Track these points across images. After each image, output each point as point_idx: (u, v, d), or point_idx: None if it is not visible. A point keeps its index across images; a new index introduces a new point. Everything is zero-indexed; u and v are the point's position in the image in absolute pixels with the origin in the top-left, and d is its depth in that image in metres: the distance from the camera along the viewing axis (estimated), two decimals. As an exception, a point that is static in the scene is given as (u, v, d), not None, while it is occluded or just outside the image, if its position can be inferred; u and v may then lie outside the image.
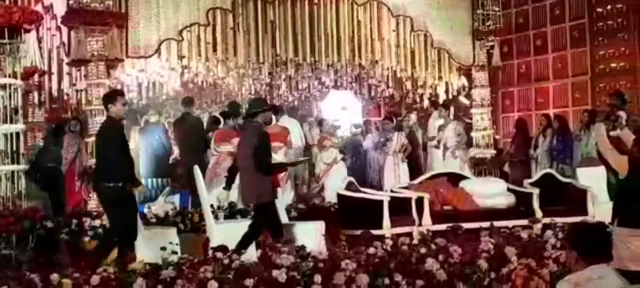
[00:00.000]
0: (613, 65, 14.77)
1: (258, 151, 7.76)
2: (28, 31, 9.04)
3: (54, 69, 11.04)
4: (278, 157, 10.87)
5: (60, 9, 10.28)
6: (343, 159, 11.89)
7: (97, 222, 8.86)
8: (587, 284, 4.19)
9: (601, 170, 10.68)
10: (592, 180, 10.37)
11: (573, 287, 4.26)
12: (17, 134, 8.35)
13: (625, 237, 6.65)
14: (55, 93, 11.27)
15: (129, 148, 7.95)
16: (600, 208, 9.71)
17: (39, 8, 10.95)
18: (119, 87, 10.87)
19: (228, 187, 8.37)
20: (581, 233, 4.65)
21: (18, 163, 8.31)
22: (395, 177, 11.67)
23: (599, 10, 14.93)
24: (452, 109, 12.51)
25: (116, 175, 7.26)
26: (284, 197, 10.65)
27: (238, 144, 8.60)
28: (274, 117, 11.23)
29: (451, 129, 12.38)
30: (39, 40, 11.11)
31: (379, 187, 11.39)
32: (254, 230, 7.83)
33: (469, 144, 12.63)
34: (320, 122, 13.28)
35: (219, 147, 10.83)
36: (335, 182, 10.87)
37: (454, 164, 11.99)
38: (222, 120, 11.26)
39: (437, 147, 12.57)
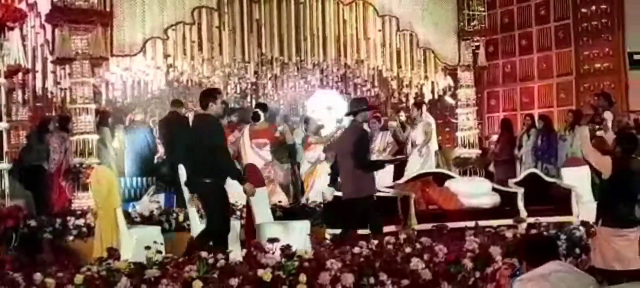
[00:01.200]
0: (597, 65, 14.87)
1: (358, 148, 8.15)
2: (12, 29, 8.96)
3: (38, 67, 10.95)
4: (264, 154, 10.88)
5: (44, 7, 10.21)
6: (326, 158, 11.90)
7: (81, 221, 8.81)
8: (539, 279, 4.25)
9: (585, 170, 10.72)
10: (577, 179, 10.41)
11: (526, 283, 4.32)
12: (0, 132, 8.28)
13: (610, 236, 6.69)
14: (39, 91, 11.17)
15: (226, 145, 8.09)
16: (585, 208, 9.75)
17: (23, 6, 10.88)
18: (103, 85, 10.85)
19: (333, 183, 8.65)
20: (526, 245, 4.80)
21: (1, 161, 8.24)
22: (379, 177, 11.66)
23: (584, 10, 15.02)
24: (424, 107, 12.51)
25: (215, 172, 7.40)
26: (273, 197, 10.68)
27: (339, 141, 8.95)
28: (262, 114, 11.24)
29: (419, 127, 12.40)
30: (23, 38, 11.00)
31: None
32: (352, 223, 8.15)
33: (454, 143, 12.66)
34: (306, 121, 13.26)
35: None
36: (322, 182, 10.94)
37: (419, 162, 11.96)
38: None
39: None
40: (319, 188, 11.17)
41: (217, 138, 7.54)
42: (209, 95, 7.76)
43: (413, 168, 11.46)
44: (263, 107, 11.85)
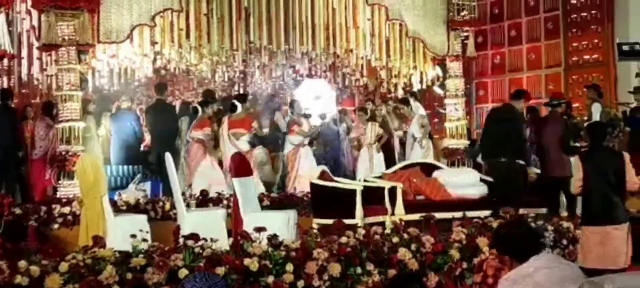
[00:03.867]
0: (586, 57, 14.88)
1: (564, 135, 9.90)
2: (-3, 14, 8.87)
3: (24, 53, 10.84)
4: (241, 144, 10.84)
5: (30, -8, 10.11)
6: (310, 143, 11.92)
7: (66, 209, 8.75)
8: (526, 280, 4.10)
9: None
10: (565, 171, 10.41)
11: (511, 284, 4.15)
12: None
13: (590, 235, 6.64)
14: (24, 78, 11.07)
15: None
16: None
17: (9, -9, 10.79)
18: (90, 72, 10.75)
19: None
20: (505, 237, 4.49)
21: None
22: (370, 168, 11.67)
23: (573, 2, 15.04)
24: (412, 101, 12.53)
25: (507, 151, 9.23)
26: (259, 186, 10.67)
27: (545, 127, 10.36)
28: (239, 105, 11.20)
29: (414, 121, 12.41)
30: (9, 24, 10.89)
31: (353, 177, 11.38)
32: (555, 201, 9.60)
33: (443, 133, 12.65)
34: (291, 104, 13.22)
35: (191, 133, 10.82)
36: (303, 165, 10.94)
37: (420, 154, 12.02)
38: (200, 109, 11.20)
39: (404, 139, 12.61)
40: (302, 171, 11.17)
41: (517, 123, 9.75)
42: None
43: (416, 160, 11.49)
44: (242, 97, 11.82)
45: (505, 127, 9.45)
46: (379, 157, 11.96)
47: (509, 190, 9.19)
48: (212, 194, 10.05)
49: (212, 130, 11.06)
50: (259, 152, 11.78)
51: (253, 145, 11.66)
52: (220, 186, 10.38)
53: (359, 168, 11.84)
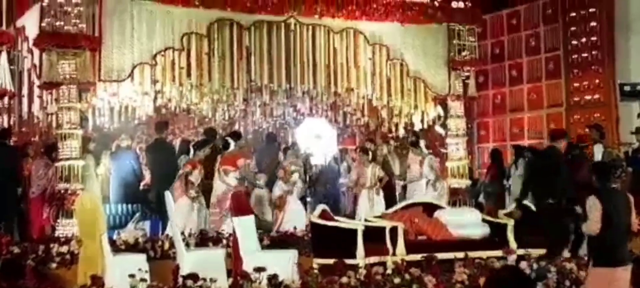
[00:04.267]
0: (587, 97, 14.88)
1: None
2: (-1, 52, 8.89)
3: (25, 91, 10.85)
4: (228, 179, 10.78)
5: (32, 31, 10.15)
6: (311, 184, 11.88)
7: (64, 248, 8.67)
8: None
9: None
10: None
11: None
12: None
13: (606, 277, 6.51)
14: (25, 116, 11.06)
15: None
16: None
17: (10, 30, 10.82)
18: (90, 110, 10.75)
19: None
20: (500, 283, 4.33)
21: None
22: (370, 209, 11.59)
23: (574, 42, 15.07)
24: (422, 144, 12.50)
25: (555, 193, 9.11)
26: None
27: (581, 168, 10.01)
28: (232, 142, 11.17)
29: (426, 163, 12.37)
30: (10, 62, 10.92)
31: (353, 217, 11.30)
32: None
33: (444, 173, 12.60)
34: (292, 146, 13.21)
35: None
36: (292, 208, 10.93)
37: (434, 196, 11.95)
38: (191, 151, 11.15)
39: (417, 179, 12.48)
40: (289, 219, 11.11)
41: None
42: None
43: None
44: (235, 135, 11.79)
45: (551, 169, 9.40)
46: (380, 199, 11.88)
47: (559, 232, 9.13)
48: (211, 234, 9.97)
49: (199, 172, 10.92)
50: (260, 191, 11.74)
51: (253, 185, 11.62)
52: (194, 227, 10.28)
53: (360, 209, 11.75)
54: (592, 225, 6.51)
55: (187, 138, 13.30)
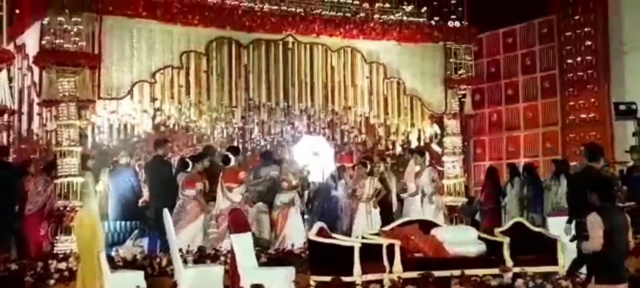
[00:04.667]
0: (583, 116, 14.97)
1: None
2: (-1, 70, 8.96)
3: (24, 109, 10.91)
4: (232, 196, 10.82)
5: (32, 49, 10.22)
6: (309, 203, 11.90)
7: (63, 265, 8.70)
8: None
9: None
10: (562, 229, 10.38)
11: None
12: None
13: None
14: (24, 133, 11.11)
15: None
16: (571, 258, 9.72)
17: (10, 47, 10.89)
18: (89, 128, 10.80)
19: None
20: None
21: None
22: (367, 224, 11.62)
23: (569, 61, 15.19)
24: (427, 154, 12.52)
25: None
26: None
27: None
28: (232, 158, 11.21)
29: (426, 175, 12.38)
30: (10, 80, 10.99)
31: (350, 233, 11.33)
32: None
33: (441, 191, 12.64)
34: (279, 162, 13.25)
35: (185, 191, 10.80)
36: (292, 223, 10.95)
37: (430, 210, 11.96)
38: (190, 164, 11.18)
39: (414, 194, 12.49)
40: (290, 232, 11.14)
41: None
42: None
43: (426, 217, 11.44)
44: (234, 150, 11.82)
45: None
46: (376, 213, 11.90)
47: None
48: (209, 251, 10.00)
49: (203, 185, 10.99)
50: (258, 205, 11.77)
51: (253, 202, 11.66)
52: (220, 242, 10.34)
53: (357, 222, 11.76)
54: (595, 242, 6.51)
55: (185, 156, 13.33)
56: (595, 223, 6.56)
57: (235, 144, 14.69)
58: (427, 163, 12.51)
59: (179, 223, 10.57)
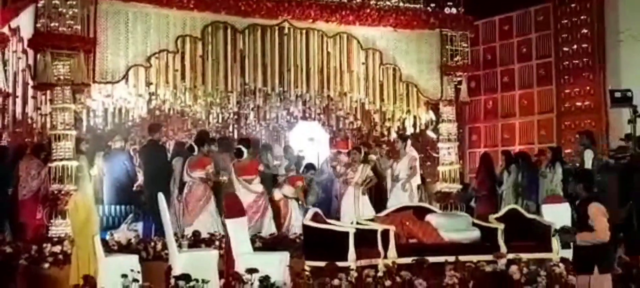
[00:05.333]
0: (578, 103, 15.00)
1: None
2: (-7, 53, 8.92)
3: (19, 92, 10.87)
4: (253, 187, 10.86)
5: (27, 32, 10.17)
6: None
7: (57, 248, 8.69)
8: None
9: (565, 206, 10.75)
10: (557, 216, 10.39)
11: None
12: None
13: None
14: (19, 116, 11.08)
15: None
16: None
17: (5, 30, 10.85)
18: (84, 111, 10.77)
19: None
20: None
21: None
22: (355, 209, 11.61)
23: (565, 49, 15.20)
24: (408, 141, 12.52)
25: None
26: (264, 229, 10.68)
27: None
28: (245, 150, 11.19)
29: (405, 161, 12.37)
30: (5, 63, 10.95)
31: (338, 217, 11.33)
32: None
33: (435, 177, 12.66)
34: (285, 149, 13.26)
35: (193, 173, 10.79)
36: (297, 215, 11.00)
37: (404, 196, 11.94)
38: (196, 148, 11.18)
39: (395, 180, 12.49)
40: (295, 221, 11.17)
41: None
42: None
43: (396, 202, 11.44)
44: (245, 142, 11.81)
45: None
46: (365, 199, 11.87)
47: None
48: (204, 235, 10.01)
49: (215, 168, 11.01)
50: None
51: None
52: (214, 227, 10.35)
53: (343, 206, 11.73)
54: (603, 232, 6.50)
55: (180, 140, 13.32)
56: (599, 212, 6.53)
57: (230, 129, 14.73)
58: (406, 150, 12.45)
59: (189, 206, 10.60)
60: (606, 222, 6.47)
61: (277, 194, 11.58)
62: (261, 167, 11.30)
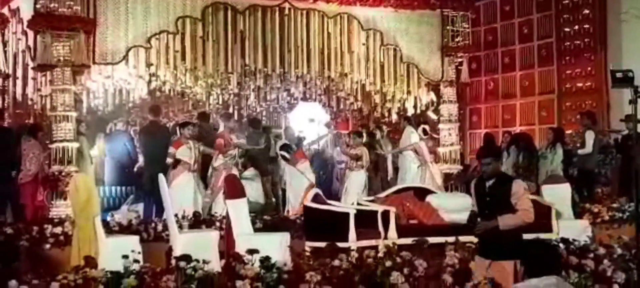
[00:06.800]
0: (579, 84, 14.98)
1: None
2: (-7, 34, 8.89)
3: (19, 73, 10.86)
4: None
5: (27, 13, 10.14)
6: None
7: (58, 229, 8.71)
8: None
9: (565, 187, 10.77)
10: (557, 197, 10.43)
11: None
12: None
13: None
14: (19, 98, 11.07)
15: None
16: (565, 225, 9.78)
17: (5, 11, 10.83)
18: (84, 93, 10.76)
19: None
20: (527, 252, 4.51)
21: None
22: (354, 189, 11.66)
23: (567, 29, 15.15)
24: (412, 123, 12.57)
25: None
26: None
27: None
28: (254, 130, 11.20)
29: (404, 141, 12.43)
30: (4, 44, 10.93)
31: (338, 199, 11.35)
32: None
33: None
34: (285, 130, 13.26)
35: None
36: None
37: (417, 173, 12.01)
38: (178, 131, 11.17)
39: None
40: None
41: None
42: None
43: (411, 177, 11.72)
44: (256, 123, 11.79)
45: None
46: (361, 178, 11.91)
47: None
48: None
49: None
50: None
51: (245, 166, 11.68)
52: (216, 207, 10.36)
53: (348, 187, 11.82)
54: (527, 213, 6.21)
55: (180, 122, 13.31)
56: (523, 191, 6.17)
57: (230, 110, 14.71)
58: (410, 136, 12.47)
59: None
60: (530, 202, 6.15)
61: (298, 177, 11.58)
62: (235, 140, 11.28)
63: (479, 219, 6.50)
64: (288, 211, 11.02)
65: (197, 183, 10.72)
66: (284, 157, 11.68)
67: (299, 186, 11.12)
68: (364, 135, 12.62)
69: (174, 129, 11.77)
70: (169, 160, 10.55)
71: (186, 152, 10.63)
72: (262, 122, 14.33)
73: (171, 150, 10.60)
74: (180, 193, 10.22)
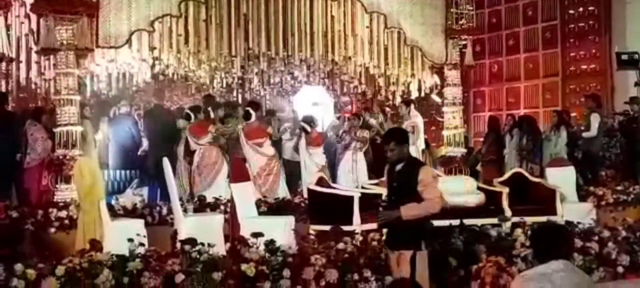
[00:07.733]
0: (583, 67, 14.94)
1: None
2: (-4, 18, 8.87)
3: (23, 57, 10.84)
4: (265, 150, 10.85)
5: (29, -4, 10.11)
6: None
7: (63, 213, 8.73)
8: (540, 278, 4.15)
9: (570, 170, 10.77)
10: (561, 180, 10.44)
11: (527, 282, 4.20)
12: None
13: None
14: (23, 82, 11.06)
15: None
16: (569, 208, 9.78)
17: (8, -6, 10.80)
18: (88, 76, 10.74)
19: None
20: (537, 234, 4.48)
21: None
22: (352, 172, 11.67)
23: (571, 12, 15.10)
24: (412, 106, 12.55)
25: None
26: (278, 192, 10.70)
27: None
28: (253, 113, 11.15)
29: (406, 125, 12.40)
30: (7, 28, 10.90)
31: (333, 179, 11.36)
32: None
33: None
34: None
35: (199, 140, 10.79)
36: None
37: None
38: (192, 115, 11.18)
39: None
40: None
41: None
42: None
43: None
44: (254, 105, 11.75)
45: None
46: (361, 159, 11.91)
47: None
48: (210, 200, 10.04)
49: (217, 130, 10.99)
50: None
51: None
52: (220, 191, 10.36)
53: (341, 168, 11.84)
54: (434, 202, 5.74)
55: (184, 106, 13.31)
56: (431, 178, 5.71)
57: (234, 94, 14.71)
58: (410, 115, 12.45)
59: (203, 173, 10.62)
60: (439, 191, 5.79)
61: (314, 159, 11.56)
62: (270, 130, 11.28)
63: (380, 208, 6.16)
64: (301, 192, 10.95)
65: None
66: (303, 129, 11.61)
67: (312, 169, 11.10)
68: (362, 117, 12.64)
69: (180, 113, 11.73)
70: None
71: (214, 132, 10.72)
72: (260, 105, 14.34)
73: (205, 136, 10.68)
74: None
